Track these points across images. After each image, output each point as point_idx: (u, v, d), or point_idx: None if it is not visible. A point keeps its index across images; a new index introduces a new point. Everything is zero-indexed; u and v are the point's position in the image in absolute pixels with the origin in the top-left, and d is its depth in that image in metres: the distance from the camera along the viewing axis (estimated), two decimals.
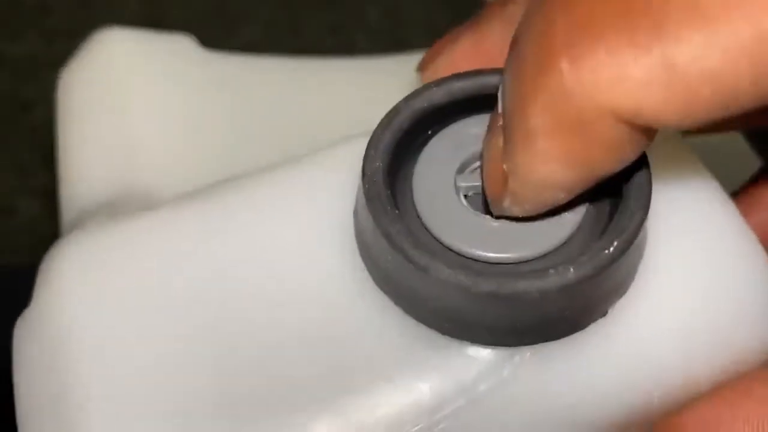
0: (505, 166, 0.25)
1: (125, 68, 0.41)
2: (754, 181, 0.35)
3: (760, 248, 0.28)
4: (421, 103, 0.27)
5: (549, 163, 0.24)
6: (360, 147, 0.28)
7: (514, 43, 0.24)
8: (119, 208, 0.36)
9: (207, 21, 0.80)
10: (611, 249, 0.25)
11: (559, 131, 0.23)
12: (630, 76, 0.22)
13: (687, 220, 0.28)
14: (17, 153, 0.74)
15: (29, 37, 0.79)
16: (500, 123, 0.25)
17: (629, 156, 0.24)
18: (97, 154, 0.39)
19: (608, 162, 0.24)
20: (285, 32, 0.79)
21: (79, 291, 0.29)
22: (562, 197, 0.25)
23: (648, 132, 0.23)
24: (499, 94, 0.25)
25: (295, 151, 0.32)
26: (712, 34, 0.21)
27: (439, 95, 0.27)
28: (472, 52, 0.32)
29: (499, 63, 0.30)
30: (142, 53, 0.42)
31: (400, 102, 0.27)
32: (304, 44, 0.78)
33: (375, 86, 0.43)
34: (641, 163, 0.26)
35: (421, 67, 0.33)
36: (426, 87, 0.27)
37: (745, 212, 0.30)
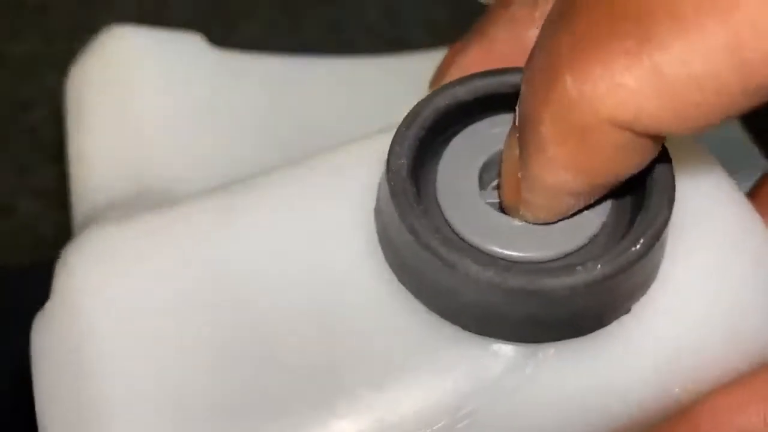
0: (519, 175, 0.25)
1: (134, 65, 0.41)
2: (762, 183, 0.35)
3: None
4: (445, 100, 0.27)
5: (558, 170, 0.24)
6: (378, 145, 0.28)
7: (530, 57, 0.25)
8: (132, 204, 0.36)
9: (207, 20, 0.80)
10: (638, 246, 0.25)
11: (566, 140, 0.24)
12: (624, 85, 0.22)
13: (707, 219, 0.28)
14: (17, 153, 0.74)
15: (29, 37, 0.79)
16: (518, 135, 0.26)
17: (637, 162, 0.25)
18: (107, 151, 0.39)
19: (615, 169, 0.25)
20: (285, 31, 0.79)
21: (97, 287, 0.29)
22: (573, 204, 0.26)
23: (654, 138, 0.24)
24: (517, 107, 0.26)
25: (306, 148, 0.32)
26: (690, 39, 0.22)
27: (462, 93, 0.27)
28: (482, 58, 0.32)
29: (509, 65, 0.30)
30: (151, 50, 0.42)
31: (423, 99, 0.27)
32: (303, 43, 0.78)
33: (381, 85, 0.44)
34: (663, 159, 0.26)
35: (435, 82, 0.33)
36: (449, 85, 0.27)
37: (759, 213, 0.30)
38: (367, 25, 0.79)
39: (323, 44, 0.78)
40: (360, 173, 0.29)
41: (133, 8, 0.81)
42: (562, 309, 0.25)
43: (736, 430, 0.26)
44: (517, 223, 0.26)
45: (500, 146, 0.27)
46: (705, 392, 0.27)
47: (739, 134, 0.43)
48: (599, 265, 0.24)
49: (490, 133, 0.28)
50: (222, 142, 0.41)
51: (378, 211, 0.28)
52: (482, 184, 0.28)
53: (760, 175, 0.36)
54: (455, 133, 0.28)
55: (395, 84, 0.42)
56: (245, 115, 0.42)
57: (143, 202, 0.36)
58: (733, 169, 0.34)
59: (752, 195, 0.34)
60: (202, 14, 0.80)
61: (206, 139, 0.40)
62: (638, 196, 0.26)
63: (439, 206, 0.27)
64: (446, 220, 0.27)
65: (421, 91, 0.32)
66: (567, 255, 0.26)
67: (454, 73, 0.32)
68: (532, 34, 0.30)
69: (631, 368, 0.27)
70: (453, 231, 0.26)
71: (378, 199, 0.28)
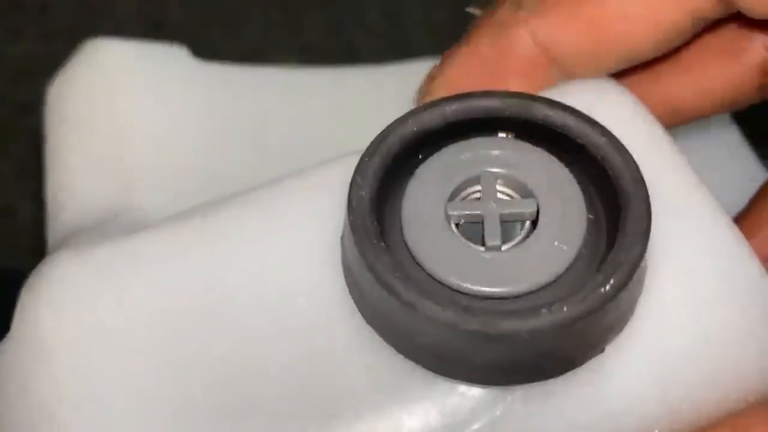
0: None
1: (115, 80, 0.40)
2: (761, 196, 0.34)
3: (765, 280, 0.27)
4: (411, 127, 0.26)
5: None
6: (351, 167, 0.26)
7: None
8: (108, 225, 0.35)
9: (207, 21, 0.79)
10: (607, 287, 0.24)
11: None
12: None
13: (689, 251, 0.27)
14: (17, 154, 0.73)
15: (29, 37, 0.79)
16: None
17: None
18: (86, 168, 0.39)
19: None
20: (285, 32, 0.79)
21: (60, 315, 0.28)
22: None
23: None
24: None
25: (287, 163, 0.31)
26: None
27: (428, 119, 0.26)
28: (467, 66, 0.31)
29: (493, 68, 0.29)
30: (133, 64, 0.41)
31: (388, 126, 0.26)
32: (303, 44, 0.77)
33: (371, 95, 0.43)
34: (640, 194, 0.25)
35: (422, 95, 0.32)
36: (415, 111, 0.26)
37: (751, 231, 0.29)
38: (367, 26, 0.78)
39: (323, 45, 0.77)
40: (334, 195, 0.28)
41: (133, 8, 0.81)
42: (529, 351, 0.24)
43: None
44: (485, 255, 0.25)
45: (469, 173, 0.26)
46: None
47: (736, 137, 0.42)
48: (565, 307, 0.23)
49: (458, 159, 0.27)
50: (204, 157, 0.40)
51: (342, 242, 0.27)
52: (452, 199, 0.26)
53: (759, 187, 0.35)
54: (423, 159, 0.27)
55: (394, 92, 0.41)
56: (229, 129, 0.41)
57: (118, 222, 0.35)
58: (728, 172, 0.33)
59: (749, 210, 0.33)
60: (201, 15, 0.79)
61: (188, 154, 0.40)
62: (615, 225, 0.25)
63: (404, 237, 0.26)
64: (411, 253, 0.25)
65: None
66: (538, 289, 0.25)
67: (438, 89, 0.31)
68: (516, 33, 0.30)
69: (605, 411, 0.26)
70: (418, 265, 0.25)
71: (342, 231, 0.27)
